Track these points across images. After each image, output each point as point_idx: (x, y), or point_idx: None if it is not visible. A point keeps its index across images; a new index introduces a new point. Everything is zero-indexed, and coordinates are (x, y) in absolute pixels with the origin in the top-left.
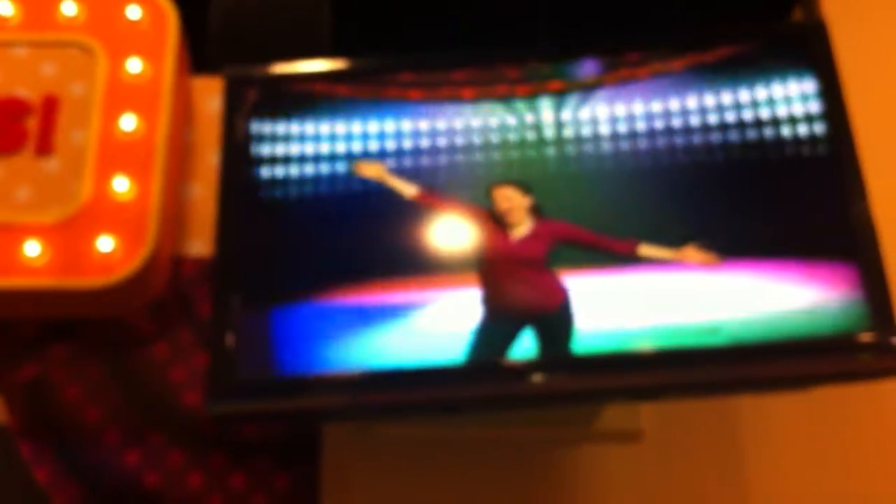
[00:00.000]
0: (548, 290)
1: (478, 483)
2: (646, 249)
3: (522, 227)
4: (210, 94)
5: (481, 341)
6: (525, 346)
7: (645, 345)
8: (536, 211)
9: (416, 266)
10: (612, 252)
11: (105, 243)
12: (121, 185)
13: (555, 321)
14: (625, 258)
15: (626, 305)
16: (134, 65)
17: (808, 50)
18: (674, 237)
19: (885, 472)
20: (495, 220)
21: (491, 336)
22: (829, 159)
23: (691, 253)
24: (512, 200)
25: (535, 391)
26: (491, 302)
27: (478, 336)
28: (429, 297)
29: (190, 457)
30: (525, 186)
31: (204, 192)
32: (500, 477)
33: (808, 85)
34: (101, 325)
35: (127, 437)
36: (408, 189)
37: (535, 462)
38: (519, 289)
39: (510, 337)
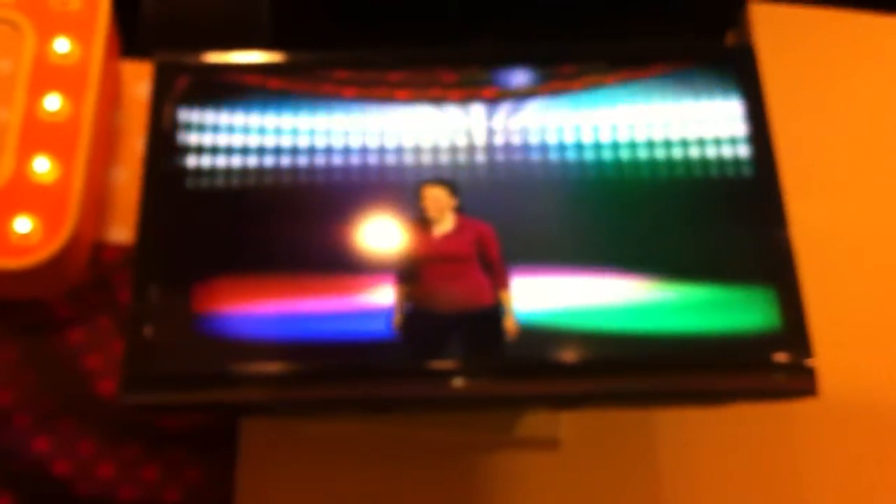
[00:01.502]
0: (477, 288)
1: (396, 483)
2: (504, 296)
3: (445, 224)
4: (140, 79)
5: (405, 340)
6: (451, 345)
7: (569, 352)
8: (459, 210)
9: (342, 263)
10: (492, 277)
11: (23, 224)
12: (42, 165)
13: (484, 320)
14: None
15: (554, 309)
16: (62, 44)
17: (736, 72)
18: (593, 251)
19: (795, 490)
20: (419, 219)
21: (414, 334)
22: (752, 182)
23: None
24: (439, 201)
25: (456, 394)
26: (415, 300)
27: (401, 335)
28: (353, 294)
29: (102, 446)
30: (453, 187)
31: (129, 178)
32: (418, 478)
33: (735, 107)
34: (15, 306)
35: (37, 422)
36: None
37: (454, 465)
38: (445, 286)
39: (436, 336)
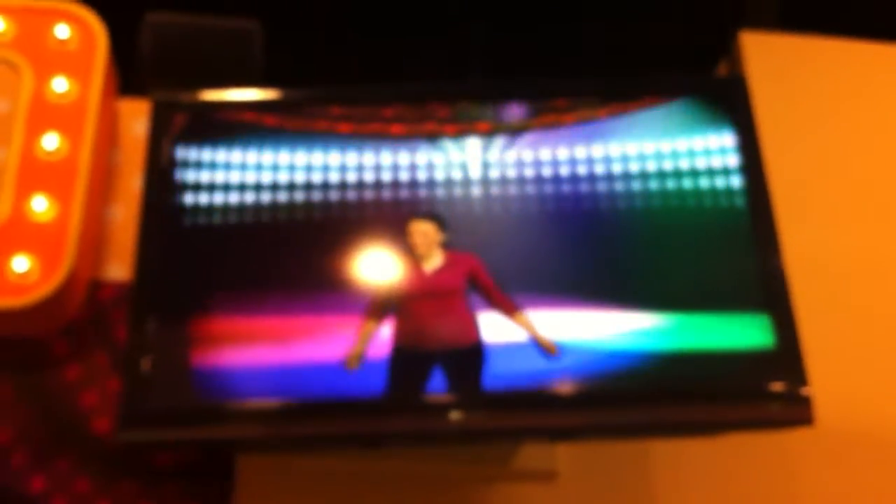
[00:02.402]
0: (463, 326)
1: None
2: (520, 319)
3: (435, 260)
4: (136, 118)
5: (397, 375)
6: (438, 381)
7: (562, 385)
8: (447, 245)
9: (333, 301)
10: (496, 306)
11: (20, 263)
12: (40, 204)
13: (467, 357)
14: (504, 315)
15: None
16: (60, 84)
17: (729, 104)
18: (588, 283)
19: None
20: (410, 254)
21: (405, 370)
22: (746, 212)
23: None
24: (427, 236)
25: (452, 428)
26: (406, 335)
27: (393, 370)
28: (347, 329)
29: (98, 483)
30: (441, 222)
31: (126, 216)
32: None
33: (728, 138)
34: (12, 344)
35: (34, 460)
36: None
37: (452, 497)
38: (434, 323)
39: (424, 371)
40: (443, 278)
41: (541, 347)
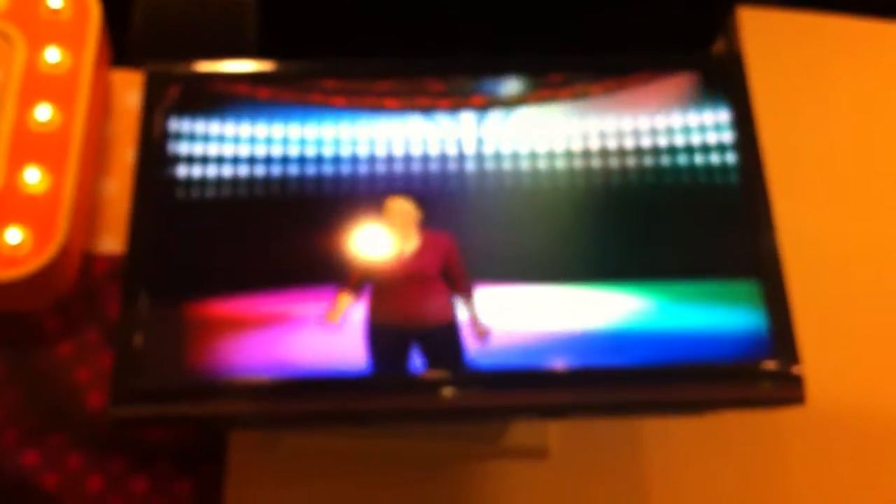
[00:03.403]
0: (441, 305)
1: (384, 494)
2: (469, 304)
3: (413, 240)
4: (130, 89)
5: (381, 354)
6: (420, 359)
7: (555, 362)
8: (425, 223)
9: (327, 273)
10: (453, 284)
11: (13, 235)
12: (32, 176)
13: (441, 338)
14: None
15: (537, 320)
16: (52, 54)
17: (725, 80)
18: (579, 260)
19: (783, 498)
20: (389, 232)
21: (388, 349)
22: (740, 189)
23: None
24: (406, 215)
25: (444, 405)
26: (385, 315)
27: (376, 349)
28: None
29: (90, 459)
30: (419, 199)
31: (119, 189)
32: (407, 489)
33: (723, 115)
34: (3, 320)
35: (25, 437)
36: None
37: (444, 475)
38: (410, 304)
39: (405, 350)
40: (421, 261)
41: (475, 330)
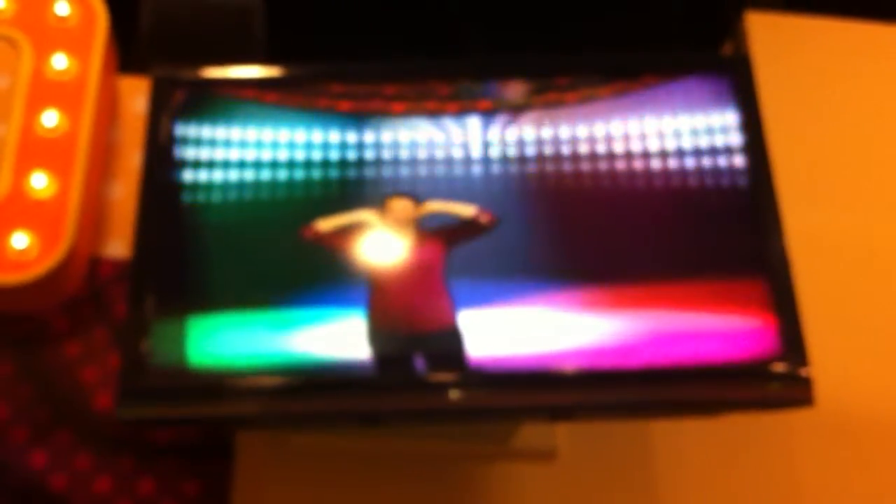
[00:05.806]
0: (443, 307)
1: (392, 494)
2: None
3: (410, 240)
4: (136, 94)
5: (384, 353)
6: (424, 360)
7: (563, 363)
8: (421, 225)
9: (334, 275)
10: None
11: (20, 240)
12: (39, 181)
13: (446, 340)
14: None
15: (544, 322)
16: (59, 60)
17: (732, 83)
18: (587, 262)
19: (792, 499)
20: (390, 232)
21: (390, 348)
22: (748, 192)
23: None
24: (406, 211)
25: (451, 405)
26: (386, 315)
27: (380, 348)
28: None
29: (98, 459)
30: (417, 200)
31: (125, 193)
32: (415, 490)
33: (731, 117)
34: (11, 320)
35: (34, 436)
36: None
37: (452, 476)
38: (408, 304)
39: (408, 350)
40: (422, 258)
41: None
